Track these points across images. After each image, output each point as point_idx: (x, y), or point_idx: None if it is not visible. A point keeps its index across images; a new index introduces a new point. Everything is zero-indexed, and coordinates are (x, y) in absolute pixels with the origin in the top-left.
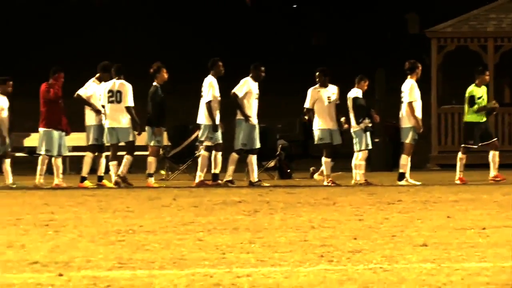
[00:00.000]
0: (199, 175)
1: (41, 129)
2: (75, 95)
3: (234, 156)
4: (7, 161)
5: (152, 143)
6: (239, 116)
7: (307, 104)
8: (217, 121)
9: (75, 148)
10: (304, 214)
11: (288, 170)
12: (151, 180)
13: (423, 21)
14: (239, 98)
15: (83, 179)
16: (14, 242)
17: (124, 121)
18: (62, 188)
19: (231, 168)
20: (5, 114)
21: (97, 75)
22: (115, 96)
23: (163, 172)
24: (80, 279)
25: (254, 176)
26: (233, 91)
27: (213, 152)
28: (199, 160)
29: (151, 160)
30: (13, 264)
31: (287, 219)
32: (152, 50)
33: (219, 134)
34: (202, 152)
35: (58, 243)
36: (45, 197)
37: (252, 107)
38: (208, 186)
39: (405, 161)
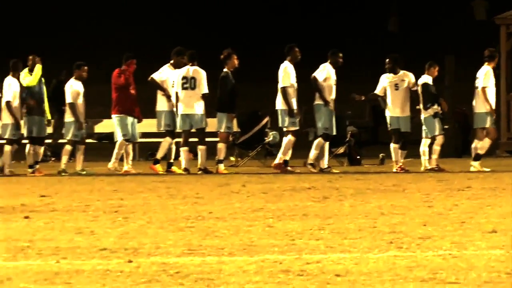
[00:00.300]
0: (280, 157)
1: (114, 116)
2: (149, 78)
3: (321, 141)
4: (81, 148)
5: (222, 129)
6: (317, 101)
7: (376, 90)
8: (294, 107)
9: (144, 135)
10: (373, 200)
11: (358, 157)
12: (221, 167)
13: (489, 7)
14: (319, 83)
15: (156, 161)
16: (84, 229)
17: (198, 107)
18: (131, 175)
19: (315, 152)
20: (80, 99)
21: (171, 61)
22: (189, 83)
23: (232, 158)
24: (149, 266)
25: (324, 162)
26: (313, 75)
27: (284, 138)
28: (284, 143)
29: (221, 146)
30: (82, 251)
31: (356, 206)
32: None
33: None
34: (288, 137)
35: (127, 229)
36: (115, 184)
37: (330, 93)
38: (286, 172)
39: (487, 144)
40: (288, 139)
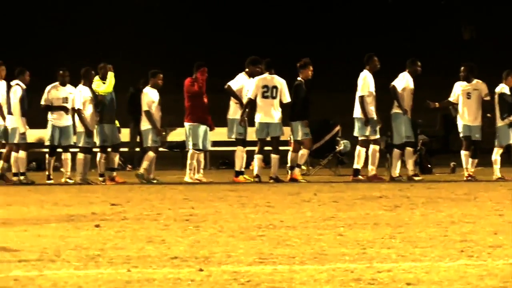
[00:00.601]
0: (371, 169)
1: (187, 124)
2: (226, 86)
3: (410, 150)
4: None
5: (299, 137)
6: (395, 110)
7: (451, 97)
8: (374, 116)
9: (215, 143)
10: (444, 209)
11: (429, 165)
12: (298, 172)
13: None
14: (398, 92)
15: (238, 173)
16: (154, 237)
17: (277, 116)
18: (202, 183)
19: (411, 162)
20: (156, 107)
21: (246, 69)
22: (270, 91)
23: (304, 167)
24: (221, 274)
25: (396, 171)
26: (392, 84)
27: (357, 147)
28: (370, 154)
29: (304, 152)
30: (153, 259)
31: (427, 214)
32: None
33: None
34: (372, 147)
35: (198, 238)
36: (185, 192)
37: (409, 102)
38: (381, 181)
39: None
40: (372, 149)
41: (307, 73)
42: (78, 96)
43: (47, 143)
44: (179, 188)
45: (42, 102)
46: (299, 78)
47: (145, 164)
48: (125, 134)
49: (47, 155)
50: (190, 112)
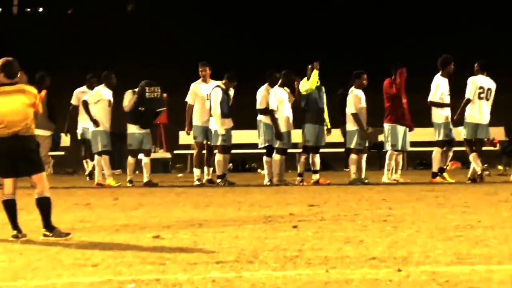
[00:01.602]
0: None
1: (386, 125)
2: (429, 103)
3: None
4: (363, 156)
5: None
6: None
7: None
8: None
9: (414, 144)
10: None
11: None
12: None
13: None
14: None
15: (435, 174)
16: (352, 238)
17: (487, 118)
18: (400, 184)
19: None
20: (362, 107)
21: (441, 70)
22: (485, 93)
23: (500, 167)
24: (419, 275)
25: None
26: None
27: None
28: None
29: None
30: (351, 260)
31: None
32: None
33: None
34: None
35: (396, 238)
36: (383, 193)
37: None
38: None
39: None
40: None
41: None
42: (273, 97)
43: (262, 144)
44: (376, 189)
45: (259, 106)
46: None
47: (353, 168)
48: (336, 135)
49: (265, 157)
50: (389, 112)
